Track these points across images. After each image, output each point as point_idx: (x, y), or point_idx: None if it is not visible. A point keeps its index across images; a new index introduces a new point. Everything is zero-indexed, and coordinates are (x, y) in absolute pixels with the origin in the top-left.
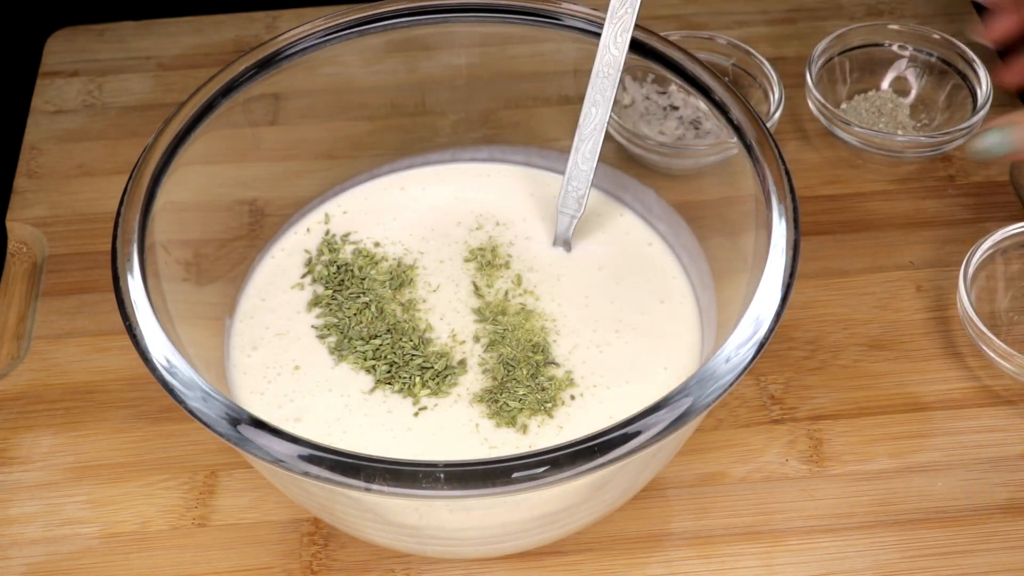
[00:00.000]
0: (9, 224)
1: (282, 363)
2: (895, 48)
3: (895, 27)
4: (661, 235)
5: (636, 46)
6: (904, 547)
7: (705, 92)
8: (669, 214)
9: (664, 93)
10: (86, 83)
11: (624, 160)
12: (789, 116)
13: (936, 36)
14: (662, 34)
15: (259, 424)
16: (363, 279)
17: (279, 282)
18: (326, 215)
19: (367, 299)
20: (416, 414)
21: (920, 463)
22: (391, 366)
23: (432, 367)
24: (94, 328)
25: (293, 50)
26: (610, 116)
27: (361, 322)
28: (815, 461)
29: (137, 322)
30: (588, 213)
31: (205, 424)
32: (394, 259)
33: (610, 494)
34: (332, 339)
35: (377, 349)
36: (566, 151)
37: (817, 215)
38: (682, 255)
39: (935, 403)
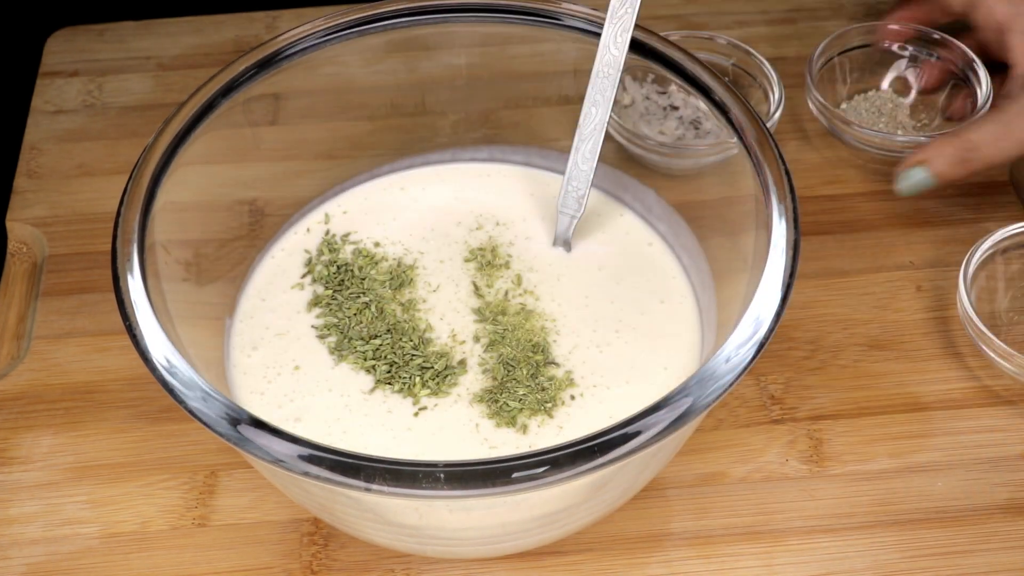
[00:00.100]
0: (9, 224)
1: (282, 363)
2: (895, 48)
3: (895, 27)
4: (661, 235)
5: (636, 46)
6: (904, 547)
7: (705, 92)
8: (669, 214)
9: (664, 93)
10: (86, 83)
11: (624, 160)
12: (789, 116)
13: (936, 36)
14: (662, 34)
15: (259, 424)
16: (363, 279)
17: (279, 282)
18: (326, 215)
19: (367, 299)
20: (416, 414)
21: (920, 463)
22: (391, 366)
23: (432, 367)
24: (94, 328)
25: (293, 50)
26: (610, 116)
27: (361, 322)
28: (815, 461)
29: (137, 322)
30: (588, 213)
31: (205, 424)
32: (394, 259)
33: (610, 494)
34: (332, 339)
35: (377, 349)
36: (566, 151)
37: (817, 215)
38: (682, 255)
39: (935, 403)
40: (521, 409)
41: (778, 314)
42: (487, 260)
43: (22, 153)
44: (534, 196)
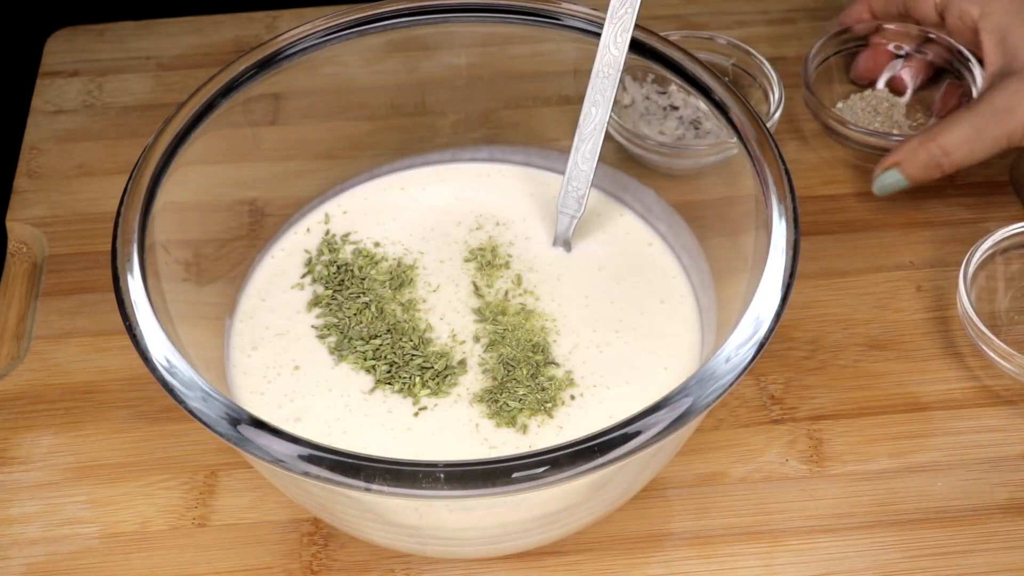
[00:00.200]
0: (9, 224)
1: (282, 363)
2: (891, 48)
3: (891, 27)
4: (661, 235)
5: (636, 46)
6: (904, 547)
7: (705, 92)
8: (669, 214)
9: (664, 93)
10: (86, 83)
11: (624, 160)
12: (789, 116)
13: (932, 36)
14: (662, 34)
15: (259, 424)
16: (363, 279)
17: (279, 282)
18: (326, 215)
19: (367, 299)
20: (416, 414)
21: (920, 463)
22: (391, 366)
23: (432, 367)
24: (94, 328)
25: (293, 50)
26: (610, 116)
27: (361, 322)
28: (815, 461)
29: (137, 322)
30: (588, 213)
31: (205, 424)
32: (394, 259)
33: (610, 494)
34: (332, 339)
35: (377, 349)
36: (566, 151)
37: (817, 215)
38: (682, 255)
39: (935, 403)
40: (521, 409)
41: (778, 314)
42: (487, 260)
43: (22, 153)
44: (534, 196)
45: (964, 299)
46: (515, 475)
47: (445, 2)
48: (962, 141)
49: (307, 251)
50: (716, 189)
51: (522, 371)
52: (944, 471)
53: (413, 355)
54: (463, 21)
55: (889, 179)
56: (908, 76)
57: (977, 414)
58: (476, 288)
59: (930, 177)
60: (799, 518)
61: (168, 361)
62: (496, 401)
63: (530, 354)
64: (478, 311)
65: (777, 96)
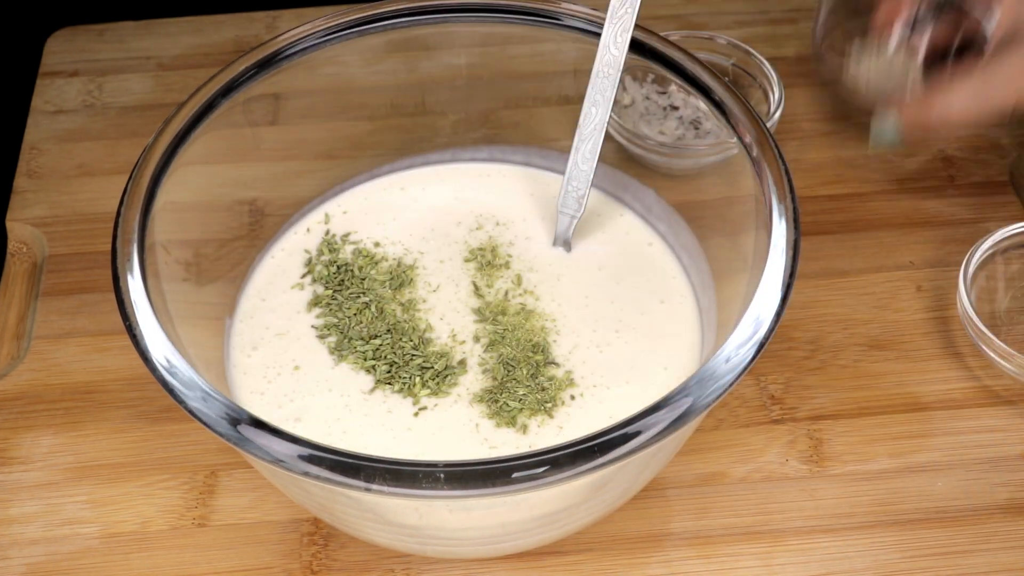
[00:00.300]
0: (9, 224)
1: (282, 363)
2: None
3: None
4: (661, 235)
5: (636, 46)
6: (904, 547)
7: (705, 92)
8: (669, 214)
9: (664, 93)
10: (86, 83)
11: (624, 160)
12: (789, 116)
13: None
14: (662, 34)
15: (259, 424)
16: (363, 279)
17: (279, 282)
18: (326, 215)
19: (367, 299)
20: (416, 414)
21: (920, 463)
22: (391, 366)
23: (432, 367)
24: (94, 328)
25: (293, 50)
26: (610, 116)
27: (361, 322)
28: (815, 461)
29: (137, 322)
30: (588, 213)
31: (205, 424)
32: (394, 259)
33: (610, 494)
34: (332, 339)
35: (377, 349)
36: (566, 151)
37: (817, 215)
38: (682, 255)
39: (935, 403)
40: (521, 409)
41: (778, 314)
42: (487, 260)
43: (22, 153)
44: (534, 196)
45: (964, 299)
46: (515, 475)
47: (445, 2)
48: (965, 102)
49: (307, 251)
50: (716, 189)
51: (522, 371)
52: (944, 471)
53: (413, 355)
54: (463, 21)
55: (886, 135)
56: (923, 41)
57: (977, 414)
58: (476, 288)
59: (926, 137)
60: (799, 518)
61: (168, 361)
62: (496, 401)
63: (530, 354)
64: (478, 311)
65: (777, 96)
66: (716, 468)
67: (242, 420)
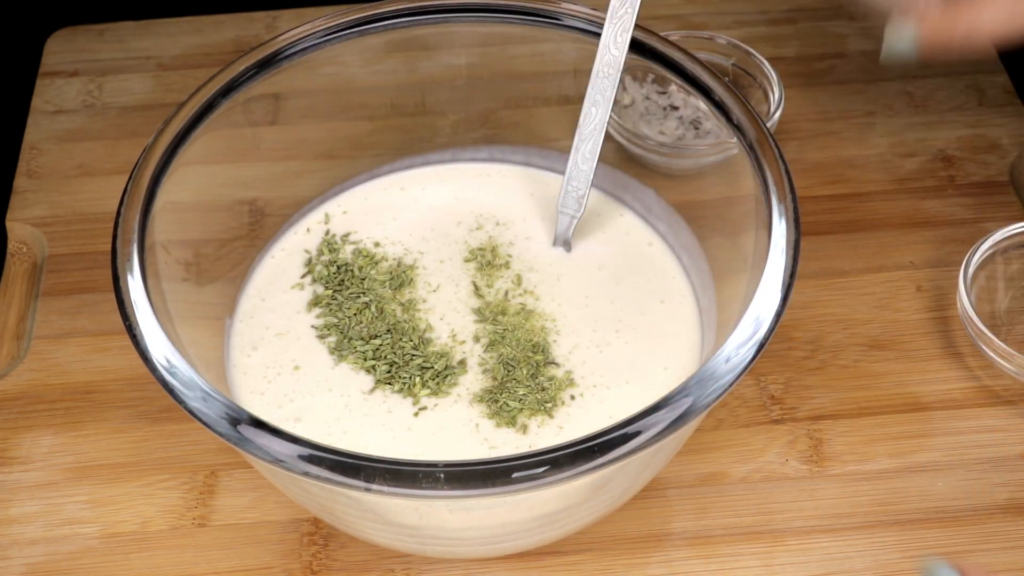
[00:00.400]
0: (9, 224)
1: (282, 363)
2: None
3: None
4: (661, 235)
5: (636, 46)
6: (904, 547)
7: (705, 92)
8: (669, 214)
9: (664, 93)
10: (86, 83)
11: (624, 160)
12: (789, 116)
13: None
14: (662, 34)
15: (259, 424)
16: (363, 279)
17: (279, 282)
18: (326, 215)
19: (367, 299)
20: (416, 414)
21: (920, 463)
22: (391, 366)
23: (432, 367)
24: (94, 328)
25: (293, 50)
26: (610, 116)
27: (361, 322)
28: (815, 461)
29: (137, 322)
30: (588, 213)
31: (205, 424)
32: (394, 259)
33: (610, 494)
34: (332, 339)
35: (377, 349)
36: (566, 151)
37: (817, 215)
38: (682, 255)
39: (935, 403)
40: (521, 409)
41: (778, 314)
42: (487, 260)
43: (22, 153)
44: (534, 196)
45: (964, 299)
46: (515, 475)
47: (445, 2)
48: (996, 13)
49: (307, 251)
50: (716, 189)
51: (522, 371)
52: (944, 471)
53: (413, 355)
54: (463, 21)
55: (903, 42)
56: None
57: (977, 414)
58: (476, 288)
59: (947, 45)
60: (799, 518)
61: (168, 361)
62: (496, 401)
63: (530, 354)
64: (478, 311)
65: (777, 96)
66: (716, 468)
67: (242, 420)
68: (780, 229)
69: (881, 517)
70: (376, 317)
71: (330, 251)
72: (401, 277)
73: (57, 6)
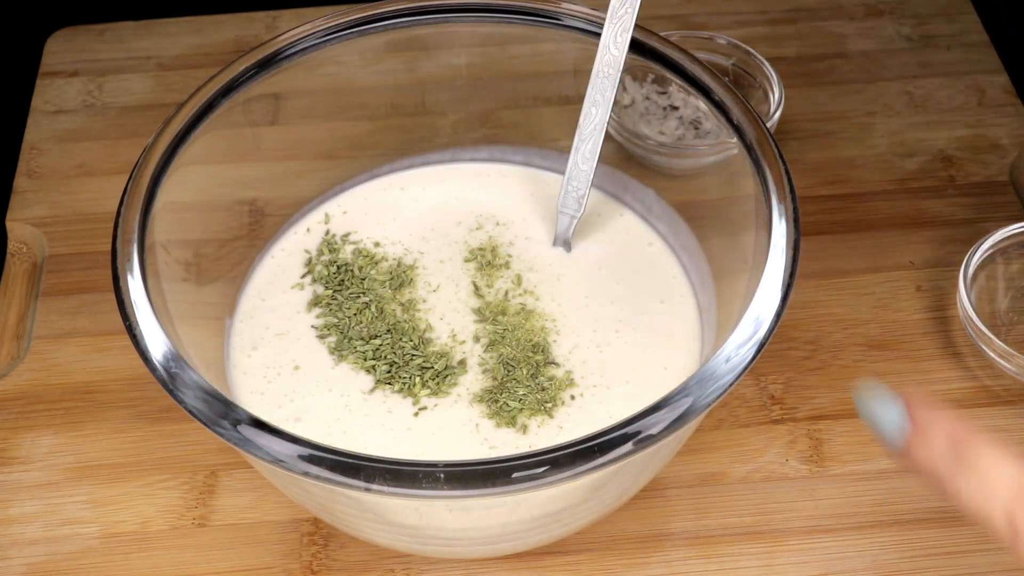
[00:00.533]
0: (9, 224)
1: (282, 363)
2: None
3: None
4: (661, 235)
5: (636, 46)
6: (904, 547)
7: (705, 92)
8: (669, 214)
9: (664, 93)
10: (86, 83)
11: (624, 160)
12: (789, 116)
13: None
14: (662, 34)
15: (259, 424)
16: (363, 279)
17: (279, 282)
18: (326, 215)
19: (367, 299)
20: (416, 414)
21: None
22: (391, 366)
23: (432, 367)
24: (94, 328)
25: (293, 50)
26: (610, 116)
27: (361, 322)
28: (815, 461)
29: (137, 322)
30: (588, 213)
31: (205, 424)
32: (394, 259)
33: (610, 494)
34: (332, 339)
35: (377, 349)
36: (566, 151)
37: (817, 215)
38: (682, 255)
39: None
40: (521, 409)
41: (778, 314)
42: (487, 260)
43: (22, 153)
44: (534, 196)
45: (964, 299)
46: (515, 475)
47: (445, 2)
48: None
49: (307, 251)
50: (716, 189)
51: (522, 371)
52: None
53: (413, 355)
54: (463, 21)
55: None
56: None
57: (977, 414)
58: (476, 288)
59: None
60: (799, 518)
61: (168, 361)
62: (496, 401)
63: (530, 354)
64: (478, 311)
65: (777, 96)
66: (716, 468)
67: (242, 420)
68: (780, 229)
69: (881, 517)
70: (376, 317)
71: (330, 251)
72: (401, 277)
73: (57, 6)
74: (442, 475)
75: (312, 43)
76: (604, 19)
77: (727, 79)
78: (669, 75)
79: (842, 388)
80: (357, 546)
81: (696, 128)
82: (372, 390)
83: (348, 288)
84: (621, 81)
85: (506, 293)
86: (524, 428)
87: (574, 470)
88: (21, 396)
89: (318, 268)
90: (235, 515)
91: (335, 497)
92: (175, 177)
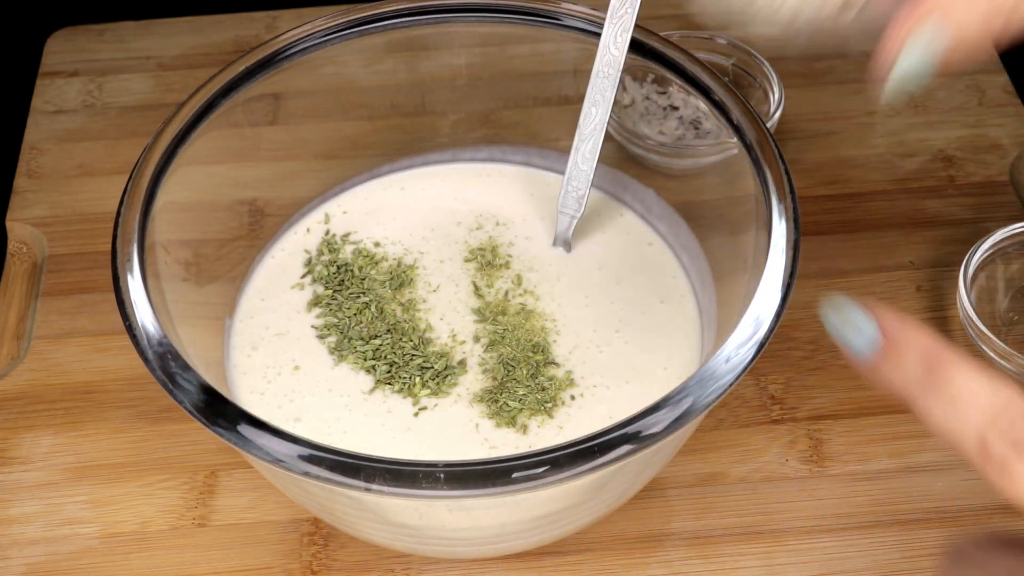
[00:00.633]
0: (9, 224)
1: (282, 363)
2: None
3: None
4: (661, 235)
5: (636, 46)
6: (904, 547)
7: (705, 92)
8: (669, 214)
9: (664, 93)
10: (86, 83)
11: (624, 160)
12: (789, 116)
13: None
14: (662, 34)
15: (259, 424)
16: (363, 279)
17: (279, 282)
18: (326, 215)
19: (367, 299)
20: (416, 414)
21: (920, 463)
22: (391, 366)
23: (432, 367)
24: (94, 328)
25: (293, 50)
26: (610, 116)
27: (361, 322)
28: (815, 461)
29: (137, 322)
30: (588, 213)
31: (205, 424)
32: (394, 259)
33: (610, 494)
34: (332, 339)
35: (377, 349)
36: (566, 151)
37: (817, 215)
38: (682, 255)
39: None
40: (521, 409)
41: (778, 314)
42: (487, 260)
43: (22, 153)
44: (534, 196)
45: (964, 299)
46: (515, 475)
47: (445, 2)
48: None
49: (307, 251)
50: (716, 189)
51: (522, 371)
52: (944, 471)
53: (413, 355)
54: (463, 21)
55: (915, 56)
56: None
57: None
58: (476, 288)
59: (979, 47)
60: (799, 518)
61: (168, 361)
62: (496, 401)
63: (530, 354)
64: (478, 311)
65: (777, 96)
66: (716, 468)
67: (242, 420)
68: (780, 229)
69: (881, 517)
70: (376, 317)
71: (330, 251)
72: (401, 277)
73: (57, 6)
74: (442, 475)
75: (312, 43)
76: (604, 19)
77: (727, 79)
78: (669, 75)
79: (842, 388)
80: (357, 546)
81: (696, 128)
82: (372, 390)
83: (348, 288)
84: (621, 81)
85: (506, 293)
86: (524, 428)
87: (574, 470)
88: (21, 396)
89: (318, 268)
90: (235, 515)
91: (335, 497)
92: (175, 177)
